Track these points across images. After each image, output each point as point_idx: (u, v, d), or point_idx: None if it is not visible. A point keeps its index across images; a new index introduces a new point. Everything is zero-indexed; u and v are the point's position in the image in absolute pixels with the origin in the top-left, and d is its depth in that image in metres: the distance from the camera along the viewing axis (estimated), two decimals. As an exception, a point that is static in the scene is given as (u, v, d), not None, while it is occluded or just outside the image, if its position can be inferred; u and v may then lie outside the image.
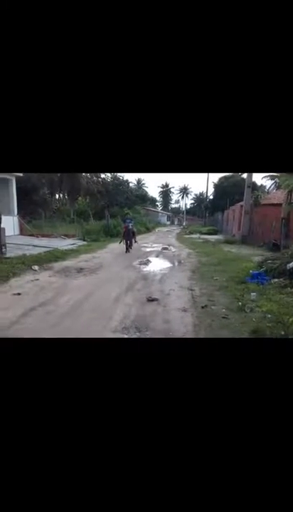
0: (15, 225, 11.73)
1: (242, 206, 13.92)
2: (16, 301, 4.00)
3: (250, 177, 13.63)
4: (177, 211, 59.49)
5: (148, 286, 5.08)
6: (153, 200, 50.13)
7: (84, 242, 11.25)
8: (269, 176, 21.36)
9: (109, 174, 25.39)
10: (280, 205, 10.43)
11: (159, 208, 54.74)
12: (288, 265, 5.21)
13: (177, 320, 3.51)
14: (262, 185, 23.65)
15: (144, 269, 6.76)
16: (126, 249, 9.22)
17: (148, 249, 10.59)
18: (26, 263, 6.18)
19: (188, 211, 54.59)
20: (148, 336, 3.05)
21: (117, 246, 9.41)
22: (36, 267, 6.06)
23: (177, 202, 66.63)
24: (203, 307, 3.94)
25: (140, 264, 7.34)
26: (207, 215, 30.86)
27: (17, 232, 11.82)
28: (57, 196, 24.21)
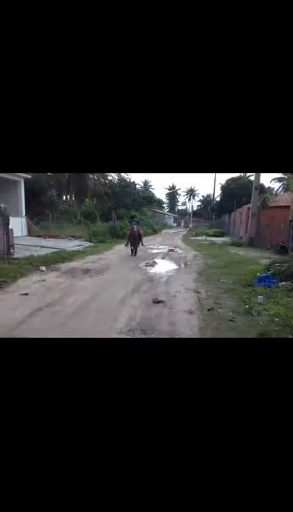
0: (23, 226, 11.86)
1: (249, 208, 13.82)
2: (23, 301, 4.04)
3: (258, 179, 13.53)
4: (184, 213, 59.37)
5: (154, 288, 5.08)
6: (159, 202, 50.11)
7: (91, 244, 11.31)
8: (277, 178, 21.19)
9: (115, 176, 25.54)
10: (288, 207, 10.31)
11: (166, 210, 54.73)
12: (296, 268, 5.15)
13: (183, 322, 3.49)
14: (269, 187, 23.48)
15: (150, 271, 6.76)
16: (132, 252, 8.86)
17: (154, 251, 10.59)
18: (34, 264, 6.25)
19: (195, 213, 54.36)
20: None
21: (123, 248, 9.39)
22: (43, 268, 6.12)
23: (184, 204, 66.61)
24: (209, 310, 3.91)
25: (146, 266, 7.33)
26: (213, 217, 30.73)
27: (25, 233, 11.95)
28: (64, 198, 24.43)
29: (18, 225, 10.61)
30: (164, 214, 42.84)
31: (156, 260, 8.30)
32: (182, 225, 47.09)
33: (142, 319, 3.55)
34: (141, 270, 6.82)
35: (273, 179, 22.53)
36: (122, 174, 25.14)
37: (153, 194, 41.41)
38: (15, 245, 7.19)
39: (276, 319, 3.53)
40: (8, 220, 6.81)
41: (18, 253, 7.14)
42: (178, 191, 65.91)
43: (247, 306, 3.98)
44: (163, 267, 7.42)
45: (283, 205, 11.40)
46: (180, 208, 65.45)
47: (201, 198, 58.54)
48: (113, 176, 25.44)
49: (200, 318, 3.65)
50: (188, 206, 63.77)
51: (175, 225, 44.67)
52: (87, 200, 20.79)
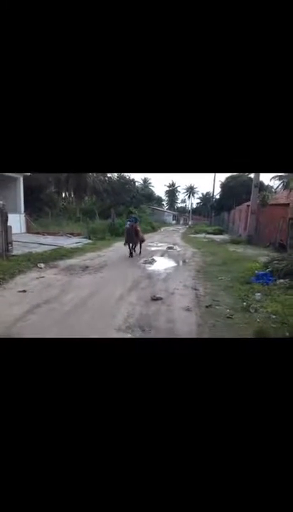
0: (21, 223, 11.84)
1: (248, 206, 13.80)
2: (21, 298, 4.04)
3: (257, 177, 13.50)
4: (183, 210, 59.25)
5: (152, 285, 5.08)
6: (159, 200, 50.07)
7: (90, 241, 11.29)
8: (277, 176, 21.16)
9: (115, 173, 25.46)
10: (287, 205, 10.31)
11: (165, 208, 54.63)
12: (294, 266, 5.15)
13: (181, 319, 3.50)
14: (268, 185, 23.44)
15: (149, 268, 6.76)
16: (130, 253, 8.03)
17: (153, 249, 10.58)
18: (32, 261, 6.24)
19: (194, 211, 54.32)
20: (151, 335, 3.05)
21: (122, 245, 9.38)
22: (42, 265, 6.11)
23: (183, 201, 66.41)
24: (207, 307, 3.92)
25: (145, 263, 7.33)
26: (213, 214, 30.69)
27: (23, 230, 11.93)
28: (63, 195, 24.36)
29: (16, 222, 10.59)
30: (163, 211, 42.81)
31: (154, 258, 8.29)
32: (181, 222, 47.01)
33: (140, 316, 3.56)
34: (139, 267, 6.82)
35: (273, 177, 22.47)
36: (122, 171, 25.05)
37: (152, 191, 41.47)
38: (13, 242, 7.17)
39: (274, 316, 3.54)
40: (7, 216, 6.77)
41: (17, 250, 7.12)
42: (178, 189, 65.76)
43: (244, 304, 3.99)
44: (162, 264, 7.42)
45: (282, 202, 11.39)
46: (179, 205, 65.33)
47: (201, 196, 58.60)
48: (112, 173, 25.39)
49: (198, 315, 3.65)
50: (188, 204, 63.73)
51: (174, 222, 44.61)
52: (86, 197, 20.73)
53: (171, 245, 11.74)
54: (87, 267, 6.38)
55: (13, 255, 6.54)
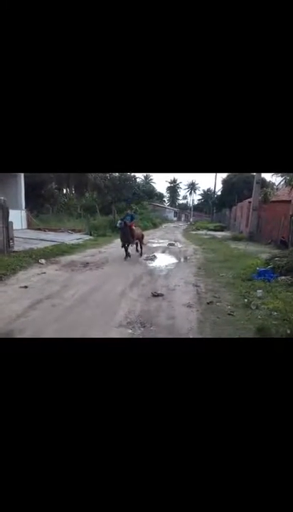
0: (23, 219, 11.83)
1: (250, 203, 13.75)
2: (22, 294, 4.05)
3: (259, 173, 13.43)
4: (184, 207, 59.04)
5: (153, 282, 5.08)
6: (160, 196, 49.85)
7: (91, 237, 11.29)
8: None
9: (116, 170, 25.32)
10: (289, 201, 10.26)
11: (166, 204, 54.45)
12: (296, 263, 5.14)
13: (182, 316, 3.50)
14: (270, 181, 23.30)
15: (150, 265, 6.76)
16: (126, 255, 6.97)
17: (154, 245, 10.57)
18: (33, 257, 6.24)
19: (196, 207, 54.09)
20: (152, 331, 3.05)
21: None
22: (43, 261, 6.12)
23: (184, 198, 66.15)
24: (208, 303, 3.93)
25: (146, 260, 7.33)
26: (214, 211, 30.61)
27: (25, 226, 11.92)
28: (64, 191, 24.31)
29: (17, 218, 10.58)
30: (165, 208, 42.63)
31: (155, 254, 8.29)
32: (183, 219, 46.90)
33: (141, 312, 3.56)
34: (140, 264, 6.82)
35: (275, 173, 22.30)
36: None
37: (154, 188, 41.21)
38: (14, 238, 7.17)
39: (275, 313, 3.54)
40: (8, 212, 6.77)
41: (18, 246, 7.13)
42: (179, 185, 65.49)
43: (246, 300, 3.99)
44: (163, 261, 7.42)
45: (284, 199, 11.34)
46: (181, 201, 65.09)
47: (202, 192, 58.31)
48: (113, 169, 25.22)
49: (199, 311, 3.66)
50: (189, 200, 63.43)
51: (175, 219, 44.49)
52: (87, 193, 20.69)
53: (172, 242, 11.73)
54: (88, 263, 6.39)
55: (15, 251, 6.55)
